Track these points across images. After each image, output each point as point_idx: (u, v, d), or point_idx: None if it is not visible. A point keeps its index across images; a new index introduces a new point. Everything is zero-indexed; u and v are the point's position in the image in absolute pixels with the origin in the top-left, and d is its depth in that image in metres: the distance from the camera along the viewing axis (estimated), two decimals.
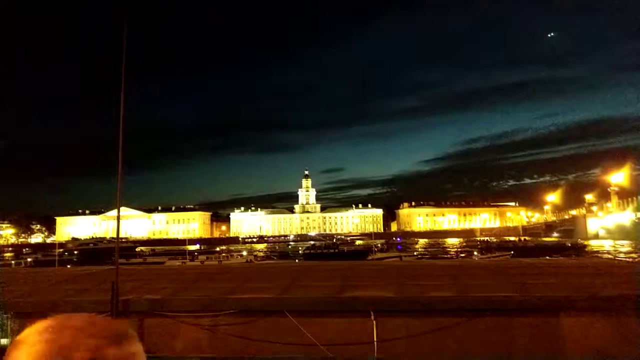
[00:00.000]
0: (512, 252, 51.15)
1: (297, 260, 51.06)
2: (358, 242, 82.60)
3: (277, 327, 6.31)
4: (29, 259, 54.89)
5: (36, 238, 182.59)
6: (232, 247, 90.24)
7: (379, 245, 72.55)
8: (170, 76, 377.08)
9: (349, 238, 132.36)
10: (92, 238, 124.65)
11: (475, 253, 52.23)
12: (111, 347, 0.69)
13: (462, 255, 51.91)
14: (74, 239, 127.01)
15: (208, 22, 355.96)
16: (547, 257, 30.44)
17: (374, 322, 6.07)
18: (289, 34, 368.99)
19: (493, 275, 7.40)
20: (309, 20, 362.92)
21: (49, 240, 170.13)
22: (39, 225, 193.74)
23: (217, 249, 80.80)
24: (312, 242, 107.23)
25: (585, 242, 73.95)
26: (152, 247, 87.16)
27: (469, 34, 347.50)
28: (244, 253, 65.04)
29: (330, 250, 64.52)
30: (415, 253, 60.14)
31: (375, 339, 6.02)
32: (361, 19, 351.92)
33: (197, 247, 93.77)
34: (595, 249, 64.21)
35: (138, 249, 76.49)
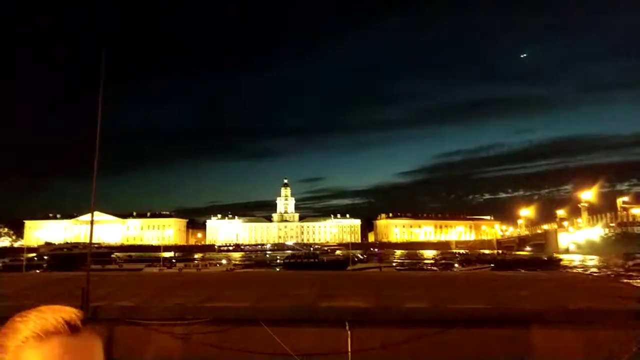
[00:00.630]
0: (492, 265, 52.00)
1: (277, 269, 50.72)
2: (338, 252, 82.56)
3: (252, 337, 6.24)
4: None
5: (3, 242, 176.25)
6: (207, 255, 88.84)
7: (359, 255, 72.67)
8: (151, 80, 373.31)
9: (327, 248, 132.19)
10: (67, 243, 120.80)
11: (457, 265, 52.82)
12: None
13: (442, 267, 52.49)
14: (47, 244, 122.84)
15: (193, 26, 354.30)
16: (523, 271, 31.07)
17: (349, 332, 6.07)
18: (273, 42, 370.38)
19: (468, 288, 7.50)
20: (292, 30, 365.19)
21: (17, 245, 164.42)
22: (6, 229, 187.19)
23: (195, 256, 79.26)
24: (290, 252, 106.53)
25: (559, 257, 75.67)
26: (129, 254, 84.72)
27: (452, 48, 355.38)
28: (224, 261, 64.10)
29: (310, 259, 64.28)
30: (394, 264, 60.44)
31: (349, 349, 6.01)
32: (344, 30, 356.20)
33: (171, 254, 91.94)
34: (569, 264, 65.77)
35: (114, 255, 74.31)
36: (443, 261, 61.76)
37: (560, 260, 68.91)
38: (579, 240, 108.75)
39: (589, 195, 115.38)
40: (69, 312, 0.80)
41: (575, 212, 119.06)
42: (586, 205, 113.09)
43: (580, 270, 52.93)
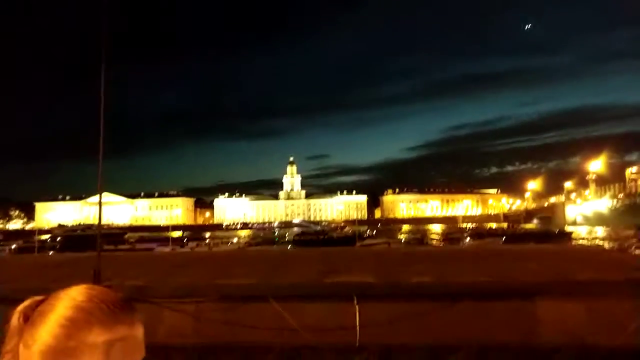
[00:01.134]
0: (504, 238, 52.07)
1: (289, 247, 51.23)
2: (347, 229, 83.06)
3: (260, 313, 6.35)
4: (13, 246, 53.70)
5: (15, 224, 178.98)
6: (218, 234, 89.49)
7: (369, 232, 72.94)
8: (155, 61, 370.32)
9: (333, 225, 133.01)
10: (79, 224, 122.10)
11: (468, 239, 53.01)
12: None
13: (452, 241, 52.70)
14: (61, 225, 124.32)
15: (193, 7, 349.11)
16: (532, 244, 31.14)
17: (357, 307, 6.16)
18: (273, 20, 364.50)
19: (474, 262, 7.55)
20: (293, 6, 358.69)
21: (28, 227, 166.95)
22: (17, 212, 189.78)
23: (207, 235, 79.81)
24: (297, 229, 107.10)
25: (571, 229, 75.43)
26: (141, 234, 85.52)
27: (453, 21, 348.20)
28: (235, 240, 64.60)
29: (319, 236, 64.42)
30: (402, 240, 60.77)
31: (357, 324, 6.11)
32: (346, 5, 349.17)
33: (179, 233, 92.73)
34: (581, 237, 65.67)
35: (127, 236, 75.08)
36: (453, 235, 61.83)
37: (572, 233, 68.76)
38: (586, 212, 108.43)
39: (596, 166, 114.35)
40: (114, 296, 0.77)
41: (583, 184, 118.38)
42: (594, 176, 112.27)
43: (588, 242, 52.97)
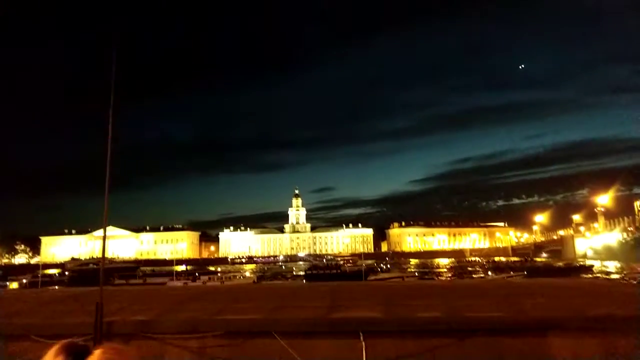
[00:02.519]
0: (525, 272, 51.66)
1: (303, 281, 50.72)
2: (364, 262, 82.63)
3: (265, 349, 6.21)
4: (24, 280, 54.22)
5: (20, 259, 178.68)
6: (229, 268, 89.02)
7: (383, 265, 72.39)
8: (160, 94, 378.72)
9: (340, 258, 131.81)
10: (92, 258, 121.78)
11: (490, 273, 52.94)
12: None
13: (469, 275, 52.67)
14: (74, 259, 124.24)
15: (200, 39, 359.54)
16: (545, 278, 30.75)
17: (363, 343, 6.01)
18: (278, 53, 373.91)
19: (484, 296, 7.39)
20: (299, 40, 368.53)
21: (33, 261, 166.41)
22: (22, 245, 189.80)
23: (219, 269, 79.38)
24: (301, 263, 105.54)
25: (591, 263, 74.06)
26: (152, 268, 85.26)
27: (456, 56, 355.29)
28: (247, 274, 64.14)
29: (332, 270, 63.71)
30: (416, 274, 60.16)
31: None
32: (351, 40, 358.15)
33: (183, 267, 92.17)
34: (604, 270, 64.63)
35: (139, 270, 74.82)
36: (471, 268, 61.47)
37: (592, 266, 67.63)
38: (596, 245, 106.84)
39: (605, 199, 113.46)
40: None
41: (591, 216, 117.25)
42: (602, 209, 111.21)
43: (600, 275, 52.06)
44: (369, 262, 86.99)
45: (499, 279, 34.35)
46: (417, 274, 58.51)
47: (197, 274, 59.45)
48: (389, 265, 74.39)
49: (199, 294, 9.08)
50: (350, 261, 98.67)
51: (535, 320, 5.99)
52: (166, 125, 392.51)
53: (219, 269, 78.26)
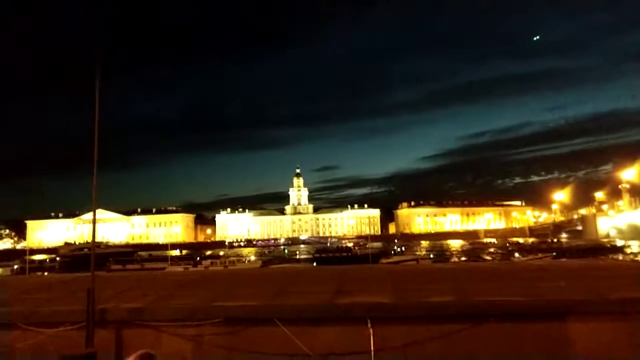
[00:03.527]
0: (554, 254, 52.17)
1: (314, 264, 51.34)
2: (375, 245, 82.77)
3: (267, 337, 6.30)
4: (15, 266, 55.49)
5: (5, 244, 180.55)
6: (228, 252, 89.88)
7: (397, 248, 72.99)
8: (153, 71, 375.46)
9: (345, 241, 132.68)
10: (87, 243, 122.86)
11: (517, 255, 53.56)
12: None
13: (500, 256, 53.33)
14: (67, 244, 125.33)
15: (195, 14, 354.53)
16: (573, 260, 31.03)
17: (371, 330, 6.08)
18: (277, 26, 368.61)
19: (500, 280, 7.44)
20: (299, 12, 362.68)
21: (19, 246, 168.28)
22: (7, 230, 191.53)
23: (221, 253, 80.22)
24: (302, 246, 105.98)
25: (627, 244, 74.08)
26: (150, 252, 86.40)
27: (471, 23, 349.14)
28: (252, 258, 64.78)
29: (342, 253, 64.17)
30: (430, 256, 60.73)
31: (372, 348, 6.03)
32: (357, 9, 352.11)
33: (177, 252, 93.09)
34: (634, 251, 64.79)
35: (136, 255, 75.75)
36: (500, 251, 61.86)
37: (624, 246, 67.78)
38: (620, 224, 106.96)
39: (630, 174, 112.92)
40: None
41: (615, 194, 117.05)
42: (627, 186, 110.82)
43: (627, 257, 52.40)
44: (377, 244, 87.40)
45: (519, 261, 34.57)
46: (431, 257, 58.99)
47: (198, 259, 60.11)
48: (403, 248, 74.90)
49: (197, 279, 9.16)
50: (360, 244, 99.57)
51: (555, 304, 6.03)
52: (157, 102, 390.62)
53: (221, 253, 78.91)
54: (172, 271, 36.07)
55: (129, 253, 79.35)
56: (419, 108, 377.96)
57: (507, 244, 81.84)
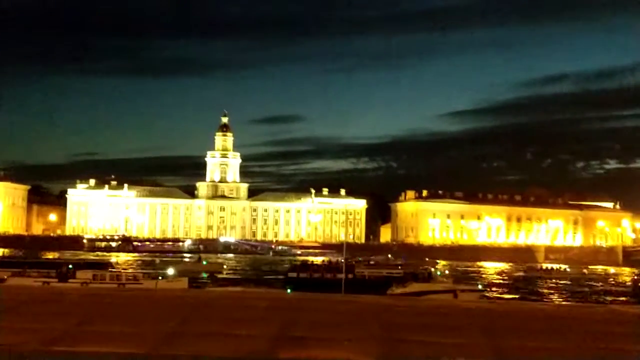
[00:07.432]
0: None
1: (288, 291, 51.36)
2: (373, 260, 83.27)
3: None
4: None
5: None
6: (89, 256, 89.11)
7: (428, 269, 74.49)
8: None
9: (299, 251, 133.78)
10: None
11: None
12: None
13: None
14: None
15: None
16: None
17: None
18: None
19: (554, 332, 7.81)
20: None
21: None
22: None
23: (113, 260, 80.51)
24: (230, 253, 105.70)
25: None
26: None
27: None
28: (171, 271, 65.20)
29: (335, 275, 63.65)
30: (479, 286, 62.13)
31: None
32: None
33: None
34: None
35: None
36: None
37: None
38: None
39: None
40: None
41: None
42: None
43: None
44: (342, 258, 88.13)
45: (598, 306, 35.85)
46: (480, 288, 60.81)
47: (71, 267, 62.02)
48: (433, 268, 76.85)
49: (34, 302, 9.24)
50: (336, 260, 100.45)
51: None
52: None
53: (66, 255, 78.85)
54: (15, 285, 36.25)
55: None
56: (445, 25, 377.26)
57: (584, 273, 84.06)
